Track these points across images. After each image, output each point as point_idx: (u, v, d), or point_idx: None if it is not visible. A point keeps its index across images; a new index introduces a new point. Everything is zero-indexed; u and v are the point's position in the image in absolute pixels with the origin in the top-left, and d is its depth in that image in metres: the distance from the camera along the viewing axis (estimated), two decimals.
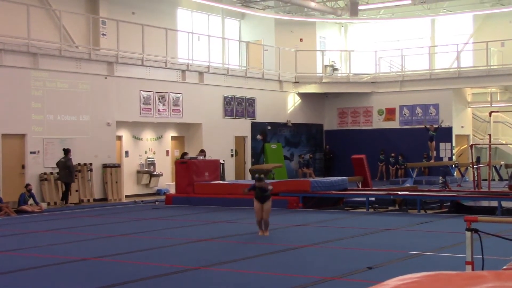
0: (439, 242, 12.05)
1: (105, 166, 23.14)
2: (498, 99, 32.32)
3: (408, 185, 24.72)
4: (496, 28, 31.89)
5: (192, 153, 24.65)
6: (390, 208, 19.45)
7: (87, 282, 8.84)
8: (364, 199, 19.33)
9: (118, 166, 23.69)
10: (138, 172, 25.47)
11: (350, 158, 23.69)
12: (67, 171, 21.03)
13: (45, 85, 21.43)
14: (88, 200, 22.46)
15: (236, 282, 8.77)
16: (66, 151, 21.15)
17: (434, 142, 29.30)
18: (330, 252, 11.39)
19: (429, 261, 10.12)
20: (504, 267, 5.79)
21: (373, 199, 19.50)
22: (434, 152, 29.53)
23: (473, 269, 6.41)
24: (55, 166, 21.32)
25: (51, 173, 21.58)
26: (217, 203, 20.21)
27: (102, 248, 12.12)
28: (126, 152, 25.06)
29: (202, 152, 24.30)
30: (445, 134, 30.62)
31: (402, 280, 1.94)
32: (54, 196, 21.60)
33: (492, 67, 30.11)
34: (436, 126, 28.88)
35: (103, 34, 24.33)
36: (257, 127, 30.03)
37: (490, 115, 24.16)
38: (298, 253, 11.24)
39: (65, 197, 21.27)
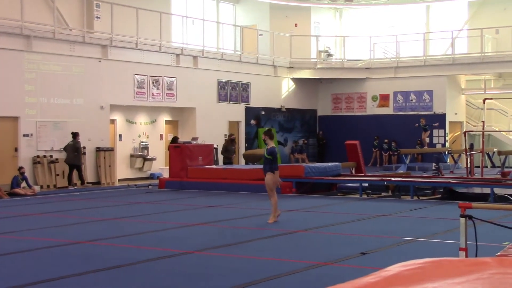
0: (432, 228, 12.09)
1: (98, 149, 23.10)
2: (492, 86, 32.36)
3: (401, 171, 24.77)
4: (491, 15, 31.87)
5: (185, 138, 24.63)
6: (383, 194, 19.50)
7: (80, 266, 8.83)
8: (358, 185, 19.36)
9: (111, 149, 23.66)
10: (132, 156, 25.43)
11: (344, 144, 23.70)
12: (76, 154, 21.35)
13: (38, 67, 21.33)
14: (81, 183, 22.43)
15: (229, 266, 8.78)
16: (75, 134, 21.57)
17: (428, 132, 29.41)
18: (323, 238, 11.41)
19: (422, 247, 10.16)
20: (498, 253, 5.81)
21: (366, 185, 19.53)
22: (427, 139, 29.62)
23: (466, 256, 6.43)
24: (62, 149, 21.77)
25: (44, 156, 21.54)
26: (210, 188, 20.22)
27: (95, 231, 12.11)
28: (120, 136, 25.00)
29: (232, 136, 24.49)
30: (439, 121, 30.68)
31: (405, 266, 1.93)
32: (47, 179, 21.57)
33: (486, 54, 30.13)
34: (425, 120, 29.09)
35: (97, 17, 24.19)
36: (251, 112, 30.00)
37: (484, 102, 24.16)
38: (291, 238, 11.26)
39: (80, 178, 21.86)
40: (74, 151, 21.39)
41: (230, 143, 24.17)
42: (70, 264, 8.98)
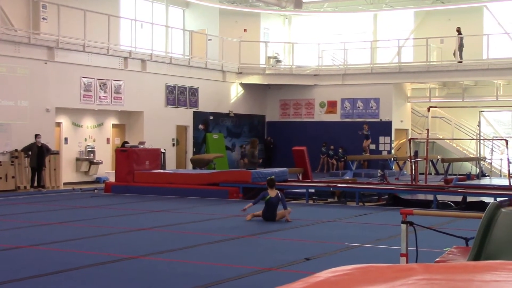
0: (376, 234, 12.25)
1: None
2: (437, 94, 33.01)
3: (347, 177, 25.03)
4: (436, 25, 32.51)
5: (132, 142, 24.43)
6: (329, 200, 19.68)
7: (22, 271, 8.68)
8: (304, 190, 19.50)
9: (56, 153, 23.32)
10: (77, 159, 25.11)
11: (291, 150, 23.84)
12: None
13: None
14: (25, 187, 22.02)
15: (174, 271, 8.75)
16: (38, 135, 21.57)
17: (369, 140, 29.87)
18: (269, 243, 11.46)
19: (366, 253, 10.29)
20: (437, 259, 5.93)
21: (312, 190, 19.68)
22: (367, 149, 30.08)
23: (407, 261, 6.55)
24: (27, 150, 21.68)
25: None
26: (157, 192, 20.09)
27: (38, 236, 11.92)
28: (65, 139, 24.66)
29: (256, 140, 23.68)
30: (385, 128, 31.14)
31: (333, 272, 1.96)
32: None
33: (431, 63, 30.70)
34: (368, 126, 29.74)
35: (43, 18, 23.83)
36: (199, 117, 29.94)
37: (429, 110, 24.61)
38: (237, 243, 11.27)
39: (40, 181, 21.75)
40: (48, 152, 21.79)
41: (256, 148, 23.57)
42: (8, 270, 8.80)
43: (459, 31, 30.13)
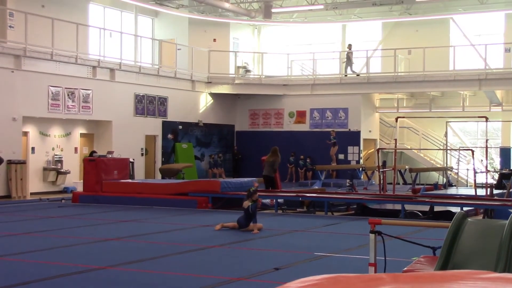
0: (345, 244, 12.29)
1: (9, 162, 22.46)
2: (404, 105, 33.32)
3: (316, 187, 25.10)
4: (403, 36, 32.87)
5: (101, 151, 24.25)
6: (298, 209, 19.71)
7: None
8: (273, 200, 19.51)
9: (23, 162, 23.06)
10: (45, 169, 24.83)
11: (260, 160, 23.83)
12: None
13: None
14: None
15: (142, 282, 8.68)
16: None
17: (337, 147, 29.95)
18: (238, 253, 11.44)
19: (334, 263, 10.32)
20: (405, 268, 5.98)
21: (281, 200, 19.71)
22: (334, 157, 30.19)
23: (375, 271, 6.58)
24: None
25: None
26: (126, 202, 19.96)
27: (4, 246, 11.75)
28: (33, 149, 24.38)
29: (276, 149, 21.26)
30: (353, 138, 31.32)
31: (303, 282, 1.97)
32: None
33: (399, 74, 30.99)
34: (335, 132, 29.88)
35: (10, 26, 23.59)
36: (168, 126, 29.84)
37: (397, 121, 24.82)
38: (206, 253, 11.23)
39: None
40: None
41: (279, 156, 21.94)
42: None
43: (350, 47, 31.29)
